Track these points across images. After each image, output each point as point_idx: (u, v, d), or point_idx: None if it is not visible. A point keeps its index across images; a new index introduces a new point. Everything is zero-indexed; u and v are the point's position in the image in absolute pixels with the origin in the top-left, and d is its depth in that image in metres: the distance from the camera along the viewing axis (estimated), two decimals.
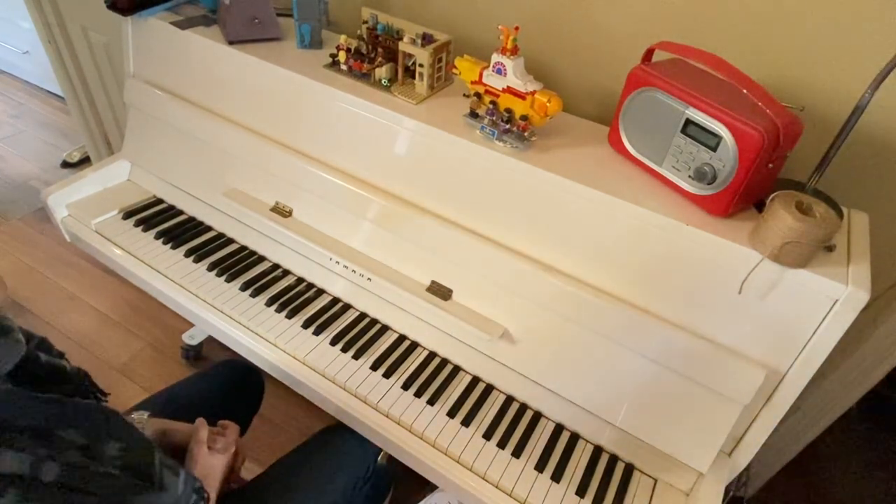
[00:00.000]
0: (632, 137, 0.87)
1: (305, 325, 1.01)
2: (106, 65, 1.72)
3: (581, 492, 0.84)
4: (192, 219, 1.21)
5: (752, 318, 0.77)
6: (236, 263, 1.11)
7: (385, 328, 1.03)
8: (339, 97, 0.99)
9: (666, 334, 0.80)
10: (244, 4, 1.06)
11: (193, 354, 1.70)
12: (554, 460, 0.87)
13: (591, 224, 0.84)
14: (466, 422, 0.90)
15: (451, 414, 0.91)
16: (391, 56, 1.01)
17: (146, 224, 1.17)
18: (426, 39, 0.96)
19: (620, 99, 0.86)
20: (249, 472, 0.94)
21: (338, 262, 1.03)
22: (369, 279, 1.01)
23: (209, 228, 1.19)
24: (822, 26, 0.82)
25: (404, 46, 0.96)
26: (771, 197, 0.72)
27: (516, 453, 0.87)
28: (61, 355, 0.82)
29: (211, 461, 0.79)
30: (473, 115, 0.92)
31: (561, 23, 1.02)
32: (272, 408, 1.58)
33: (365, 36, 1.03)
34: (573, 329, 0.86)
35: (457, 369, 0.98)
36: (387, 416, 0.90)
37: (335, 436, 0.98)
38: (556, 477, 0.85)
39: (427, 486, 1.08)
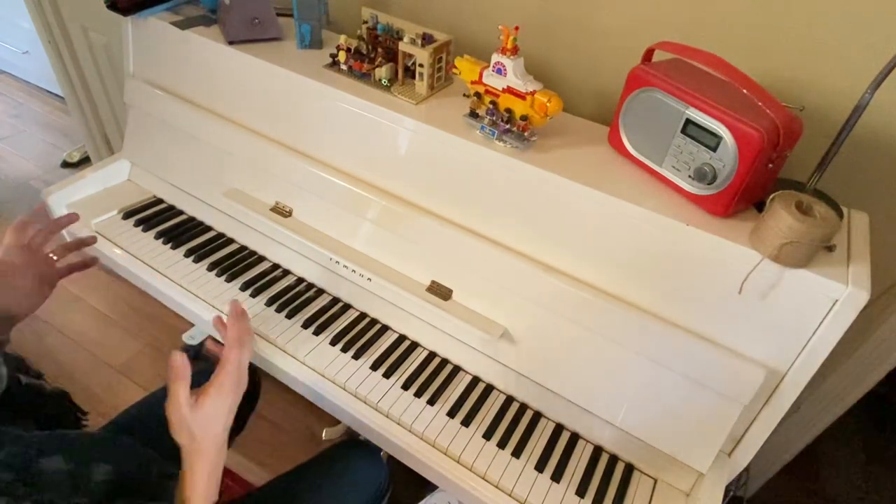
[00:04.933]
0: (632, 137, 0.87)
1: (305, 325, 1.01)
2: (106, 65, 1.73)
3: (581, 492, 0.84)
4: (192, 219, 1.20)
5: (752, 318, 0.76)
6: (236, 263, 1.11)
7: (385, 328, 1.03)
8: (339, 97, 0.99)
9: (666, 334, 0.80)
10: (244, 4, 1.06)
11: (193, 354, 1.70)
12: (554, 460, 0.87)
13: (590, 224, 0.84)
14: (466, 422, 0.90)
15: (451, 414, 0.91)
16: (391, 56, 1.01)
17: (146, 224, 1.17)
18: (426, 39, 0.96)
19: (620, 99, 0.86)
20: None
21: (338, 262, 1.03)
22: (369, 279, 1.01)
23: (209, 228, 1.19)
24: (821, 26, 0.82)
25: (404, 46, 0.96)
26: (771, 197, 0.72)
27: (516, 453, 0.87)
28: (39, 376, 0.80)
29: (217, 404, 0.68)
30: (473, 115, 0.92)
31: (561, 23, 1.02)
32: (272, 408, 1.57)
33: (365, 36, 1.03)
34: (573, 329, 0.86)
35: (457, 369, 0.98)
36: (387, 417, 0.90)
37: (347, 453, 0.97)
38: (556, 477, 0.85)
39: (427, 486, 1.08)
